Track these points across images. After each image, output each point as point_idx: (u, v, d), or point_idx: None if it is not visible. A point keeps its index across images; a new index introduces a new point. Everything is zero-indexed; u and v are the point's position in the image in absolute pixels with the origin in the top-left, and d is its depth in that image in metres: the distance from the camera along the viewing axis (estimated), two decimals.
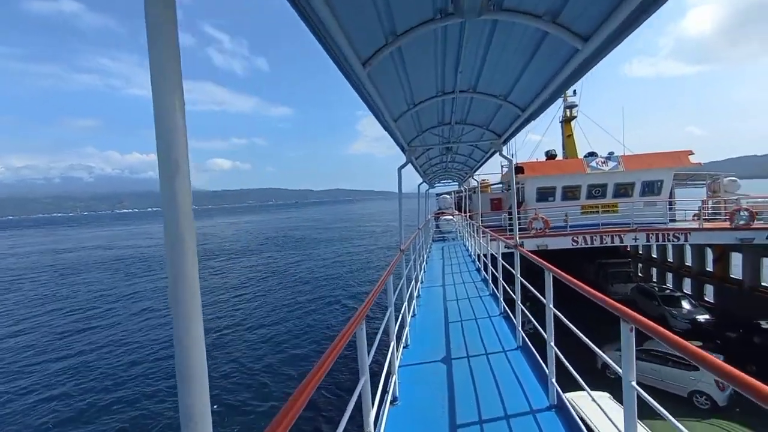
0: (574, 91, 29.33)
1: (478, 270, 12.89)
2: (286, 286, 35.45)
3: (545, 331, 4.26)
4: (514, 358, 5.59)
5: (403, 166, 7.66)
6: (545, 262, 4.40)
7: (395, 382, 4.58)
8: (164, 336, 23.45)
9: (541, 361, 4.94)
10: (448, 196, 35.20)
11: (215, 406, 15.51)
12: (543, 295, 4.32)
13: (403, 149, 7.58)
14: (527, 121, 5.87)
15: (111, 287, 39.10)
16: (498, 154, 8.20)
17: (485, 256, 10.90)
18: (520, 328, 6.07)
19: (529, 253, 5.38)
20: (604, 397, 9.65)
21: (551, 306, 4.17)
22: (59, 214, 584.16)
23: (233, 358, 19.86)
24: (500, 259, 7.89)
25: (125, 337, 23.78)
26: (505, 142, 7.56)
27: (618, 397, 7.55)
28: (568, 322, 3.93)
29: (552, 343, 4.17)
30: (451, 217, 28.45)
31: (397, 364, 4.84)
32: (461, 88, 5.30)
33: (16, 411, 15.71)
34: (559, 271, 3.97)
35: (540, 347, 4.97)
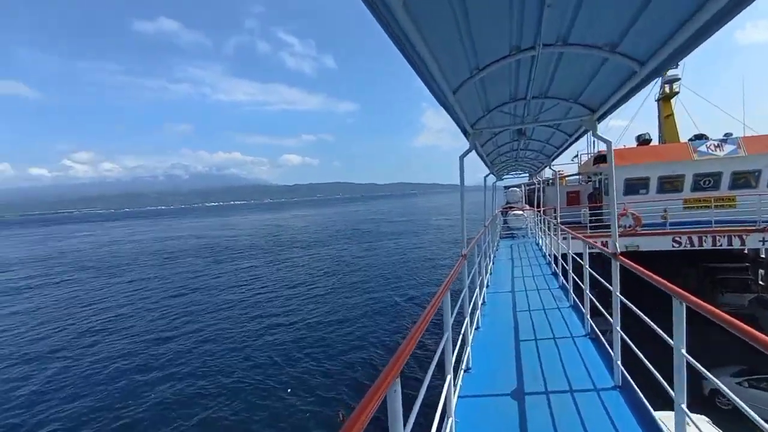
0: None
1: (555, 275, 11.54)
2: (358, 277, 36.40)
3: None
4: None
5: (465, 154, 6.39)
6: (670, 285, 3.30)
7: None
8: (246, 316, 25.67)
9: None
10: (517, 189, 33.04)
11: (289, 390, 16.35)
12: (647, 315, 4.06)
13: (465, 133, 6.37)
14: (644, 82, 4.26)
15: (202, 269, 44.06)
16: (591, 134, 6.58)
17: (563, 257, 9.64)
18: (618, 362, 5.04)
19: (636, 266, 4.27)
20: (701, 420, 8.03)
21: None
22: (162, 207, 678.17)
23: (308, 344, 20.94)
24: (587, 266, 6.71)
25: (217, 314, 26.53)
26: (601, 118, 5.90)
27: (724, 426, 6.12)
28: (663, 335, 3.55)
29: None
30: (521, 212, 26.62)
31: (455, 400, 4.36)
32: (546, 41, 3.83)
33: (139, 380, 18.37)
34: (695, 299, 2.95)
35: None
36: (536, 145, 11.06)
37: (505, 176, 21.40)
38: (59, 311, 31.13)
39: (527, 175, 23.72)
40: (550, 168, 17.39)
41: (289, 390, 16.34)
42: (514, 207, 29.13)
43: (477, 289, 7.54)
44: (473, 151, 6.79)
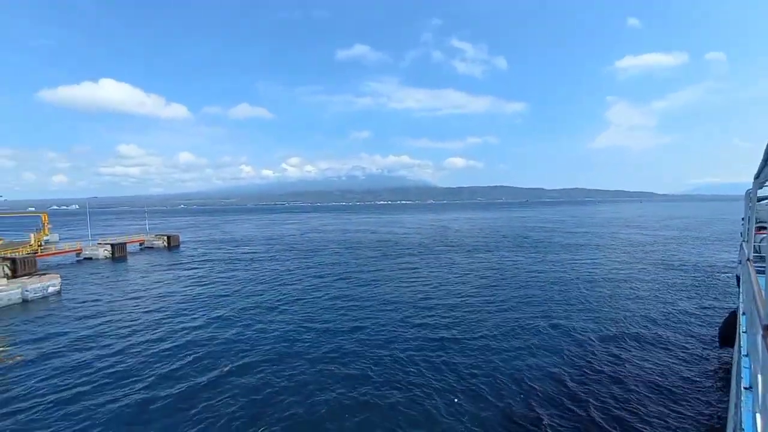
0: None
1: None
2: (528, 291, 33.76)
3: None
4: None
5: None
6: None
7: None
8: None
9: None
10: None
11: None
12: None
13: None
14: None
15: (373, 260, 49.37)
16: None
17: None
18: None
19: None
20: None
21: None
22: (343, 203, 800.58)
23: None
24: None
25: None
26: None
27: None
28: None
29: None
30: None
31: None
32: None
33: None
34: None
35: None
36: None
37: None
38: (272, 276, 40.51)
39: None
40: None
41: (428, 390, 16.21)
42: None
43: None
44: None
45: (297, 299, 32.12)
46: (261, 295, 33.95)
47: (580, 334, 22.86)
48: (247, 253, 62.98)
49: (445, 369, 18.51)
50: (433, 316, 26.58)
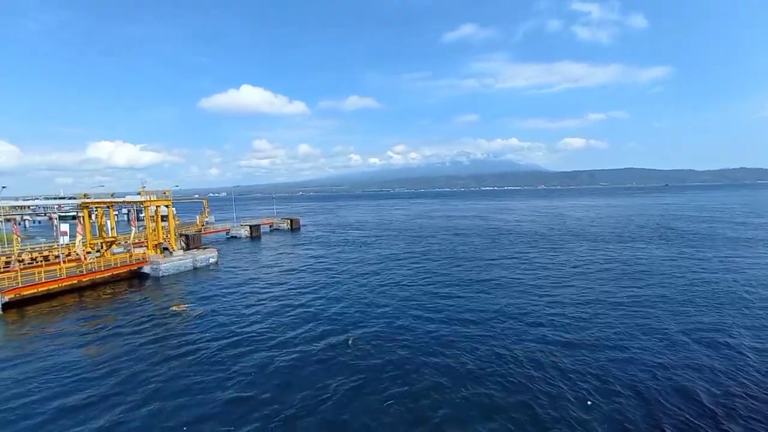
0: None
1: None
2: (688, 296, 28.02)
3: None
4: None
5: None
6: None
7: None
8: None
9: None
10: None
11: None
12: None
13: None
14: None
15: (483, 248, 47.08)
16: None
17: None
18: None
19: None
20: None
21: None
22: (447, 189, 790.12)
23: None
24: None
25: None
26: None
27: None
28: None
29: None
30: None
31: None
32: None
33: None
34: None
35: None
36: None
37: None
38: (380, 258, 41.87)
39: None
40: None
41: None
42: None
43: None
44: None
45: (403, 282, 32.75)
46: (369, 275, 35.64)
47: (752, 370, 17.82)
48: (359, 236, 67.09)
49: (557, 375, 16.45)
50: (552, 313, 23.99)
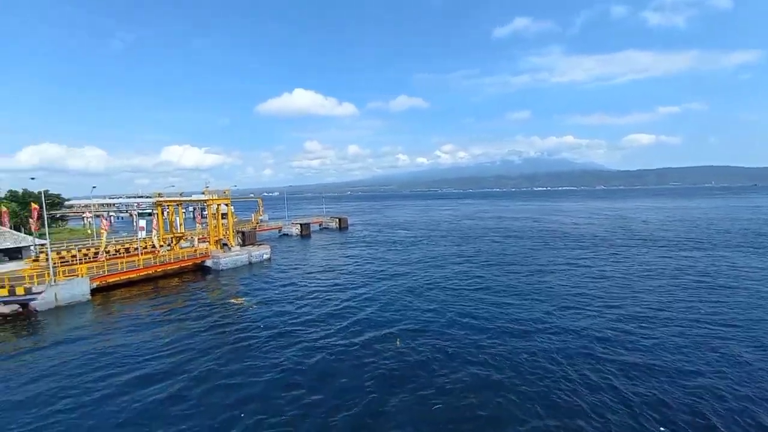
0: None
1: None
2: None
3: None
4: None
5: None
6: None
7: None
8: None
9: None
10: None
11: None
12: None
13: None
14: None
15: (533, 250, 44.70)
16: None
17: None
18: None
19: None
20: None
21: None
22: (497, 189, 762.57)
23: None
24: None
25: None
26: None
27: None
28: None
29: None
30: None
31: None
32: None
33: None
34: None
35: None
36: None
37: None
38: (427, 258, 41.30)
39: None
40: None
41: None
42: None
43: None
44: None
45: (450, 284, 32.12)
46: (415, 275, 35.41)
47: None
48: (406, 236, 67.10)
49: (613, 400, 14.96)
50: (612, 328, 21.87)
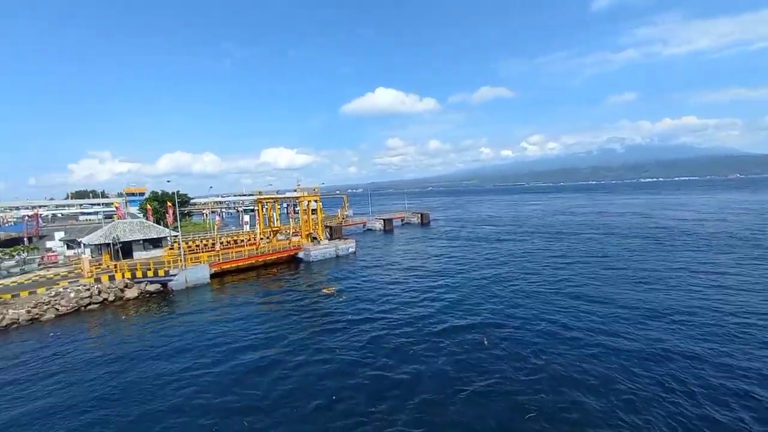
0: None
1: None
2: None
3: None
4: None
5: None
6: None
7: None
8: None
9: None
10: None
11: None
12: None
13: None
14: None
15: (640, 251, 38.84)
16: None
17: None
18: None
19: None
20: None
21: None
22: (593, 182, 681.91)
23: None
24: None
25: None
26: None
27: None
28: None
29: None
30: None
31: None
32: None
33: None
34: None
35: None
36: None
37: None
38: (512, 257, 38.80)
39: None
40: None
41: None
42: None
43: None
44: None
45: (538, 284, 29.87)
46: (500, 273, 33.69)
47: None
48: (490, 232, 64.42)
49: None
50: (759, 356, 17.96)
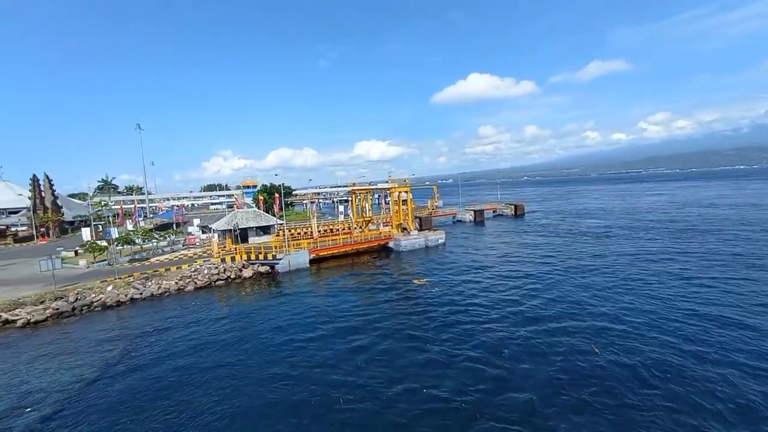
0: None
1: None
2: None
3: None
4: None
5: None
6: None
7: None
8: None
9: None
10: None
11: None
12: None
13: None
14: None
15: None
16: None
17: None
18: None
19: None
20: None
21: None
22: (741, 166, 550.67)
23: None
24: None
25: None
26: None
27: None
28: None
29: None
30: None
31: None
32: None
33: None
34: None
35: None
36: None
37: None
38: (621, 257, 33.61)
39: None
40: None
41: None
42: None
43: None
44: None
45: (659, 291, 25.54)
46: (609, 274, 29.70)
47: None
48: (596, 226, 57.43)
49: None
50: None
